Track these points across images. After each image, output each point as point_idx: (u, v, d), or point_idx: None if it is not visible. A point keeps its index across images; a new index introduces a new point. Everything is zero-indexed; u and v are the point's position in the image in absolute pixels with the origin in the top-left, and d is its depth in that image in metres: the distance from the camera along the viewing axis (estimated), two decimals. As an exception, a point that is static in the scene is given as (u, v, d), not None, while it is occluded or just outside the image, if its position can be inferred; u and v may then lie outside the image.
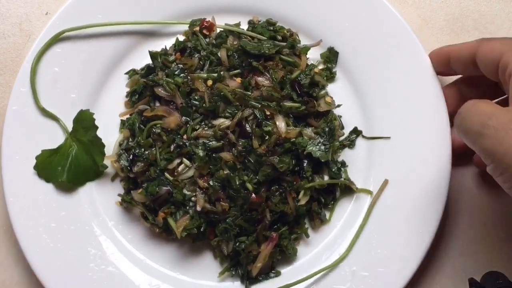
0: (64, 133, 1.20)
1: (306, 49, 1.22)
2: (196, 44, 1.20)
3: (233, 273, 1.16)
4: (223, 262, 1.17)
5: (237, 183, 1.10)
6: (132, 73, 1.24)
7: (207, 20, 1.21)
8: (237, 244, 1.12)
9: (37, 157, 1.17)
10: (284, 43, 1.20)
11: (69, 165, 1.17)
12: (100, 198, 1.21)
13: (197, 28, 1.21)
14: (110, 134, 1.22)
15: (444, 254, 1.15)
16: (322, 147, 1.14)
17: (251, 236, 1.12)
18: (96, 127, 1.16)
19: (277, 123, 1.13)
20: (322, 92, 1.21)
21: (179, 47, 1.21)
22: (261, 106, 1.12)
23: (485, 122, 0.88)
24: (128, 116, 1.21)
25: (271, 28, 1.22)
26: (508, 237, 1.19)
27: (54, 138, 1.20)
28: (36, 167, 1.17)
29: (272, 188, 1.13)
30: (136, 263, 1.17)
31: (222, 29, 1.21)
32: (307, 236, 1.18)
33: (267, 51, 1.16)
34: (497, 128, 0.87)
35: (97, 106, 1.23)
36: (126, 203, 1.17)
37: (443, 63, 1.15)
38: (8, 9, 1.36)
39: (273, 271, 1.16)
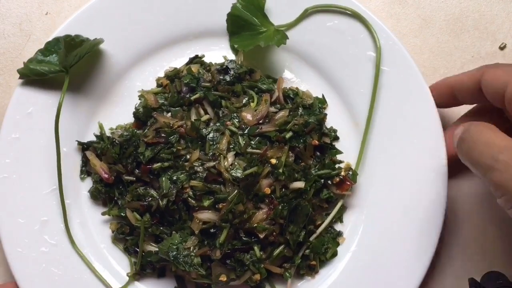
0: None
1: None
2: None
3: None
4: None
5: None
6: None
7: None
8: None
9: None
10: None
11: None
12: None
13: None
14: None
15: (444, 255, 1.17)
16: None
17: None
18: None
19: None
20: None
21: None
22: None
23: (496, 156, 0.89)
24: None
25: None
26: (508, 237, 1.22)
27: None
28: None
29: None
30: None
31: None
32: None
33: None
34: (509, 163, 0.87)
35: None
36: None
37: (446, 94, 1.16)
38: (8, 9, 1.33)
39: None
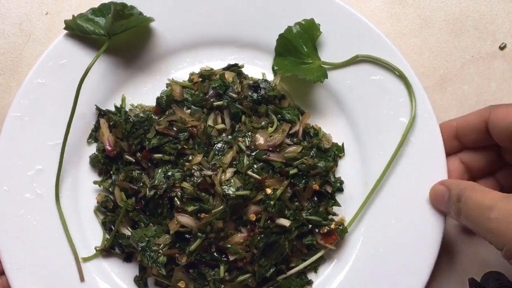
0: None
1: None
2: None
3: None
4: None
5: None
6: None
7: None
8: None
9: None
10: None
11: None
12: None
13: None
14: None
15: (444, 255, 1.16)
16: None
17: None
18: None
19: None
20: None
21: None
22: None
23: (487, 216, 0.95)
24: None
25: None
26: None
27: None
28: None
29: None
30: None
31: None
32: None
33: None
34: (500, 220, 0.93)
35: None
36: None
37: (449, 137, 1.17)
38: (8, 9, 1.34)
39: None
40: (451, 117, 1.21)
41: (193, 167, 1.14)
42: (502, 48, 1.32)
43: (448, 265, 1.23)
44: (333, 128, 1.24)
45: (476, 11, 1.34)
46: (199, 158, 1.15)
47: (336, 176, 1.23)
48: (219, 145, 1.17)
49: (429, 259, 1.14)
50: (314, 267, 1.21)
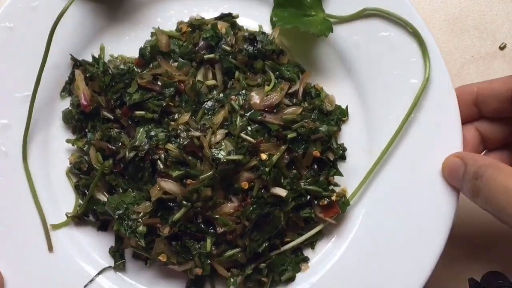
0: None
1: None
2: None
3: None
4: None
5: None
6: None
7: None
8: None
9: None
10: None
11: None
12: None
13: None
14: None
15: (444, 255, 1.07)
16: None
17: None
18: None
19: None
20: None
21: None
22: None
23: None
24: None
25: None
26: (508, 237, 1.20)
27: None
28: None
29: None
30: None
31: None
32: None
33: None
34: None
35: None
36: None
37: (466, 102, 1.07)
38: None
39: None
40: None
41: (179, 127, 1.03)
42: (502, 48, 1.31)
43: (448, 265, 1.17)
44: (336, 89, 1.13)
45: (476, 11, 1.33)
46: (186, 117, 1.03)
47: (339, 142, 1.12)
48: (209, 103, 1.05)
49: (438, 240, 1.04)
50: (311, 242, 1.10)
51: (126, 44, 1.14)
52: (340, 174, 1.10)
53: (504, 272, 1.12)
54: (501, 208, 0.89)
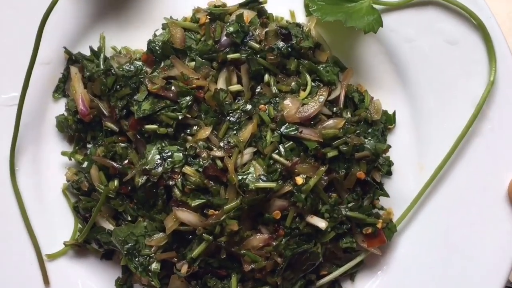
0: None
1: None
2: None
3: None
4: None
5: None
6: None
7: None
8: None
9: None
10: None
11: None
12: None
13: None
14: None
15: None
16: None
17: None
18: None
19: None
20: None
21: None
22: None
23: None
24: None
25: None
26: None
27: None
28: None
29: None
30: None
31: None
32: None
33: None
34: None
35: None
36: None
37: None
38: None
39: None
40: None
41: (199, 143, 0.89)
42: None
43: None
44: (382, 92, 1.02)
45: None
46: (206, 131, 0.89)
47: (383, 155, 0.98)
48: (234, 114, 0.90)
49: (502, 273, 0.94)
50: (351, 274, 0.99)
51: (131, 34, 1.01)
52: (387, 195, 0.97)
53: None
54: None
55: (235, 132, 0.89)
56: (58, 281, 0.97)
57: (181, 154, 0.88)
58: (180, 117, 0.88)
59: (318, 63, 0.96)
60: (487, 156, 0.96)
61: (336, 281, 0.98)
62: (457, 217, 0.96)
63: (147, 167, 0.87)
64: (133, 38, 0.99)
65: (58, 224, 0.98)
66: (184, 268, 0.88)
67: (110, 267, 0.98)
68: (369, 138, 0.94)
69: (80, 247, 0.97)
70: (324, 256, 0.95)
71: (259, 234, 0.89)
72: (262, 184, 0.85)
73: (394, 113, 0.99)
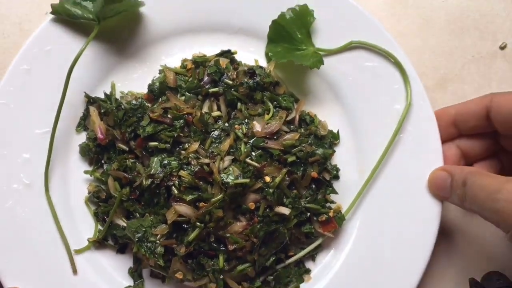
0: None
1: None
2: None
3: None
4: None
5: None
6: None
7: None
8: None
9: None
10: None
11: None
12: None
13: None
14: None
15: (444, 255, 1.16)
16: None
17: None
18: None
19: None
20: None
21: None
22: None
23: (495, 197, 0.96)
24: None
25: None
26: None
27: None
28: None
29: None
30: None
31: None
32: None
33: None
34: (507, 201, 0.94)
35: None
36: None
37: (446, 123, 1.17)
38: (8, 9, 1.31)
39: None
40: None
41: (190, 155, 1.11)
42: (502, 48, 1.32)
43: (448, 265, 1.24)
44: (328, 115, 1.23)
45: (476, 11, 1.34)
46: (195, 146, 1.12)
47: (332, 163, 1.21)
48: (216, 132, 1.14)
49: (426, 246, 1.14)
50: (312, 255, 1.20)
51: (134, 81, 1.22)
52: (335, 192, 1.20)
53: (504, 272, 1.17)
54: (481, 204, 0.99)
55: (217, 145, 1.12)
56: (84, 270, 1.16)
57: (177, 162, 1.10)
58: (175, 135, 1.11)
59: (278, 95, 1.20)
60: (409, 159, 1.16)
61: (301, 261, 1.18)
62: (389, 205, 1.16)
63: (151, 172, 1.10)
64: (136, 84, 1.21)
65: (83, 226, 1.18)
66: (182, 250, 1.08)
67: (124, 259, 1.18)
68: (319, 148, 1.17)
69: (100, 244, 1.17)
70: (290, 239, 1.15)
71: (239, 222, 1.11)
72: (239, 181, 1.08)
73: (338, 131, 1.21)
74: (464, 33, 1.33)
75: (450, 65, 1.32)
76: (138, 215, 1.14)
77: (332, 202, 1.20)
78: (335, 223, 1.16)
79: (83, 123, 1.21)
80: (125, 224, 1.14)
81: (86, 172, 1.20)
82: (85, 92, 1.20)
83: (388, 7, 1.33)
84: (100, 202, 1.18)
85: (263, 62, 1.24)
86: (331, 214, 1.16)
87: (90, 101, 1.20)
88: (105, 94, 1.20)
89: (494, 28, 1.33)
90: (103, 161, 1.19)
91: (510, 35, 1.32)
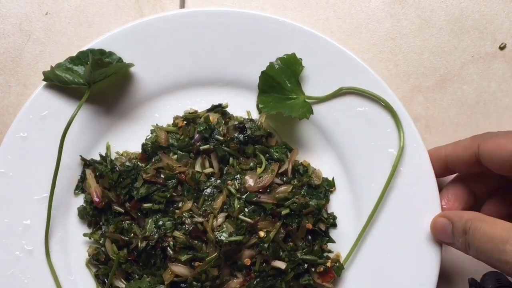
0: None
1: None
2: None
3: None
4: None
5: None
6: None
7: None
8: None
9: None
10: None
11: None
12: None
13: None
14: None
15: (444, 255, 1.14)
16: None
17: None
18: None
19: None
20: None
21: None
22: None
23: (502, 249, 0.93)
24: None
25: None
26: None
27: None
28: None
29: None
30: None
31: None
32: None
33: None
34: None
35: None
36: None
37: (440, 164, 1.15)
38: (8, 9, 1.32)
39: None
40: (450, 117, 1.29)
41: (184, 214, 1.13)
42: (502, 48, 1.33)
43: (448, 264, 1.23)
44: (322, 163, 1.23)
45: (476, 11, 1.34)
46: (189, 205, 1.14)
47: (329, 211, 1.21)
48: (209, 190, 1.16)
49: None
50: None
51: (129, 140, 1.23)
52: (333, 241, 1.19)
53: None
54: (489, 255, 0.96)
55: (210, 202, 1.13)
56: (85, 332, 1.17)
57: (171, 223, 1.11)
58: (168, 196, 1.13)
59: (270, 147, 1.20)
60: (405, 204, 1.15)
61: (301, 313, 1.18)
62: (387, 251, 1.15)
63: (146, 234, 1.12)
64: (131, 142, 1.22)
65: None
66: (181, 310, 1.10)
67: (126, 319, 1.18)
68: (313, 198, 1.17)
69: (101, 305, 1.19)
70: (289, 292, 1.16)
71: (235, 278, 1.11)
72: (232, 238, 1.09)
73: (333, 179, 1.21)
74: (464, 33, 1.33)
75: (450, 66, 1.32)
76: (136, 277, 1.15)
77: (330, 251, 1.19)
78: (334, 273, 1.16)
79: (81, 186, 1.22)
80: (123, 286, 1.16)
81: (85, 234, 1.21)
82: (80, 156, 1.21)
83: (387, 7, 1.33)
84: (100, 265, 1.19)
85: (255, 113, 1.24)
86: (328, 264, 1.15)
87: (86, 163, 1.22)
88: (101, 156, 1.22)
89: (493, 29, 1.33)
90: (101, 223, 1.21)
91: (510, 36, 1.32)
